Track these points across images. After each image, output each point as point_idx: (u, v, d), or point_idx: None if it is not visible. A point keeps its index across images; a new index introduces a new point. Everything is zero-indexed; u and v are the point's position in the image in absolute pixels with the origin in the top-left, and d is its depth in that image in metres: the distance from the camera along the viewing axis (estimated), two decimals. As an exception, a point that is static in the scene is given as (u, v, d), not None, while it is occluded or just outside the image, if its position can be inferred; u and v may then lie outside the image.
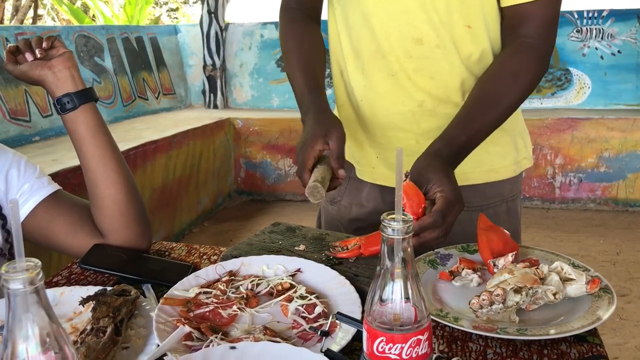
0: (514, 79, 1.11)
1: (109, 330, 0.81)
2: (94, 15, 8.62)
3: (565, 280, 0.90)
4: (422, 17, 1.13)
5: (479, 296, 0.86)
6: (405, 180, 0.93)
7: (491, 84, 1.11)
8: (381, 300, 0.60)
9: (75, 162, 2.94)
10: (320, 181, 0.99)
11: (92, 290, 0.95)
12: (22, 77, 1.12)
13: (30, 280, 0.50)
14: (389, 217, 0.59)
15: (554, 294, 0.87)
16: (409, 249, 0.59)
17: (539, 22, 1.11)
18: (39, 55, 1.10)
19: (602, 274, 0.96)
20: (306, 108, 1.13)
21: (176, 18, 14.04)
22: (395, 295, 0.60)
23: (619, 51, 4.75)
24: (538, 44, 1.11)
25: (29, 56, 1.10)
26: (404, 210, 0.91)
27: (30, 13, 8.95)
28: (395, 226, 0.58)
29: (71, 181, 2.81)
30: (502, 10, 1.14)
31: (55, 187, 1.16)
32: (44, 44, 1.11)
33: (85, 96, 1.12)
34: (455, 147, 1.04)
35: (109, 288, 0.92)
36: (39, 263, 0.51)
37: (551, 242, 3.90)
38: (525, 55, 1.11)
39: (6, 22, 7.97)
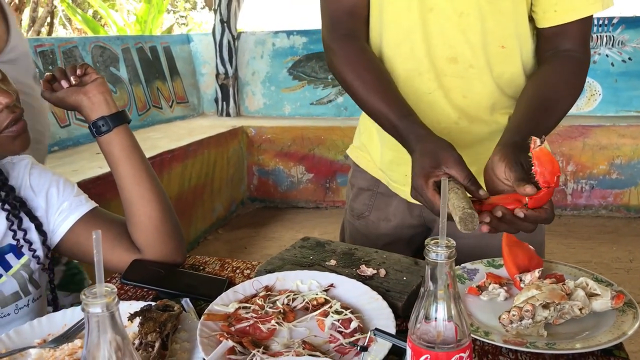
0: (567, 86, 1.15)
1: (157, 344, 0.85)
2: (105, 23, 8.70)
3: (590, 295, 0.94)
4: (458, 37, 1.16)
5: (509, 312, 0.90)
6: (541, 144, 0.86)
7: (549, 88, 1.14)
8: (425, 319, 0.64)
9: (95, 172, 3.02)
10: (471, 208, 0.84)
11: (135, 305, 1.00)
12: (59, 103, 1.18)
13: (108, 305, 0.55)
14: (432, 242, 0.63)
15: (580, 309, 0.91)
16: (451, 272, 0.63)
17: (578, 37, 1.16)
18: (74, 82, 1.16)
19: (616, 282, 1.00)
20: (405, 138, 1.07)
21: (184, 24, 14.12)
22: (438, 315, 0.64)
23: (629, 58, 4.76)
24: (580, 56, 1.17)
25: (64, 83, 1.16)
26: (534, 178, 0.87)
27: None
28: (439, 251, 0.62)
29: (91, 191, 2.81)
30: (540, 30, 1.18)
31: (92, 204, 1.21)
32: (78, 71, 1.17)
33: (119, 118, 1.17)
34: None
35: (153, 303, 0.96)
36: (115, 289, 0.56)
37: (564, 249, 3.91)
38: (573, 65, 1.16)
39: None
